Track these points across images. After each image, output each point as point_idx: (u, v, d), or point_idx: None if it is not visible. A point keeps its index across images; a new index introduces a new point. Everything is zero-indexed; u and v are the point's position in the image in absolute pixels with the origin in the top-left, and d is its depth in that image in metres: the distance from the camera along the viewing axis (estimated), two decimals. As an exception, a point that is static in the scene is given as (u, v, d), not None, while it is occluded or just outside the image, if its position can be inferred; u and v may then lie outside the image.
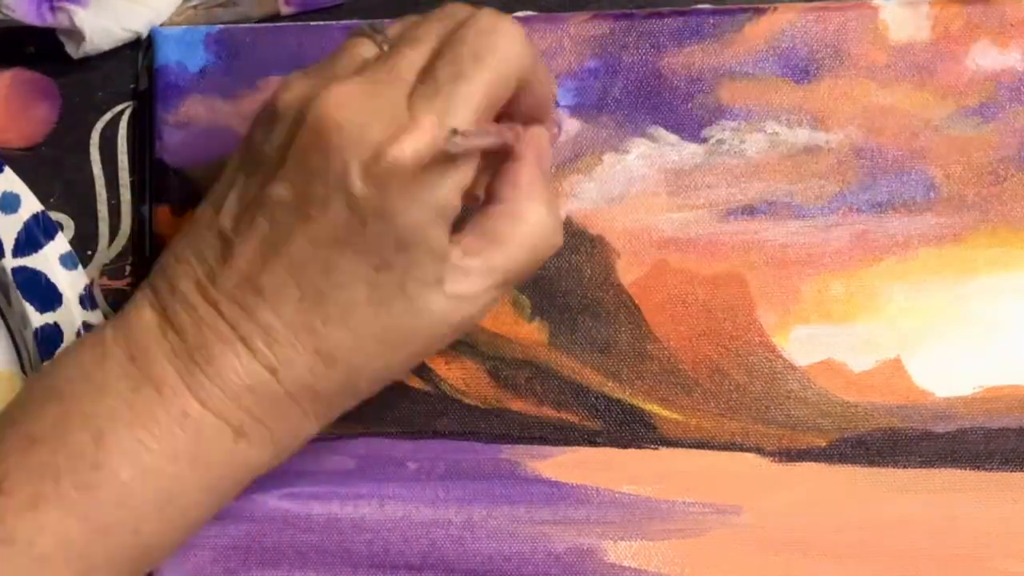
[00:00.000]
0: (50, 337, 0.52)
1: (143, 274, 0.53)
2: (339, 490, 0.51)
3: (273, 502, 0.51)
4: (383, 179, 0.39)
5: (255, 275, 0.40)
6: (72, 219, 0.55)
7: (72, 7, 0.53)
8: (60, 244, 0.53)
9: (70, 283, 0.53)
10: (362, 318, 0.40)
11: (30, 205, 0.53)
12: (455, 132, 0.39)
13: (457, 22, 0.42)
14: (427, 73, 0.41)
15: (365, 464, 0.52)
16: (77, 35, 0.53)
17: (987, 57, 0.52)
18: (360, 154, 0.39)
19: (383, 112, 0.39)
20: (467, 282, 0.41)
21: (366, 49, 0.43)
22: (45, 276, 0.52)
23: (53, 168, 0.55)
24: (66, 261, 0.53)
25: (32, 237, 0.53)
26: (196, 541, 0.51)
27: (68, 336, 0.52)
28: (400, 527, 0.51)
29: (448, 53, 0.41)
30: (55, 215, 0.55)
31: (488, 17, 0.41)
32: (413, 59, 0.41)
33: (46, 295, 0.52)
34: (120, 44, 0.54)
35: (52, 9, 0.53)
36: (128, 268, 0.55)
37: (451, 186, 0.40)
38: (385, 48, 0.43)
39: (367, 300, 0.40)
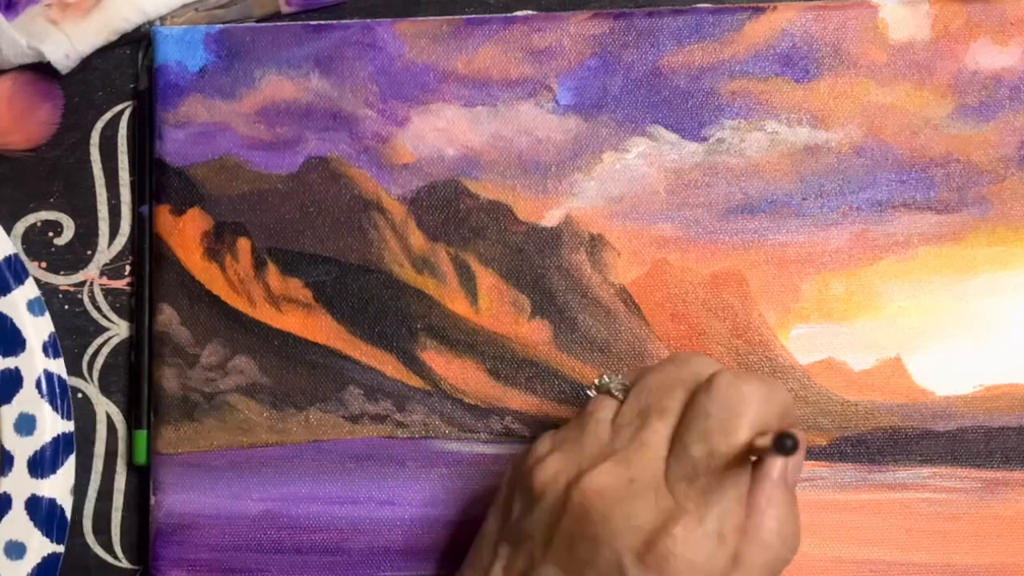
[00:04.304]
0: (10, 382, 0.52)
1: (142, 274, 0.54)
2: (339, 490, 0.51)
3: (272, 502, 0.51)
4: (659, 566, 0.38)
5: None
6: (72, 219, 0.55)
7: None
8: (29, 289, 0.53)
9: (36, 329, 0.53)
10: None
11: (4, 247, 0.53)
12: None
13: (698, 384, 0.41)
14: (679, 446, 0.40)
15: (365, 464, 0.52)
16: None
17: (987, 56, 0.52)
18: (631, 544, 0.39)
19: (645, 497, 0.40)
20: None
21: (608, 410, 0.44)
22: (11, 320, 0.52)
23: (53, 168, 0.55)
24: (33, 307, 0.53)
25: (2, 279, 0.53)
26: (195, 541, 0.51)
27: (28, 382, 0.52)
28: (400, 527, 0.51)
29: (696, 427, 0.40)
30: (55, 215, 0.55)
31: (731, 387, 0.41)
32: (661, 431, 0.41)
33: (10, 339, 0.52)
34: (27, 62, 0.54)
35: None
36: (127, 268, 0.55)
37: (723, 560, 0.39)
38: (621, 398, 0.44)
39: None
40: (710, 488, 0.40)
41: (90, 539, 0.53)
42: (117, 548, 0.53)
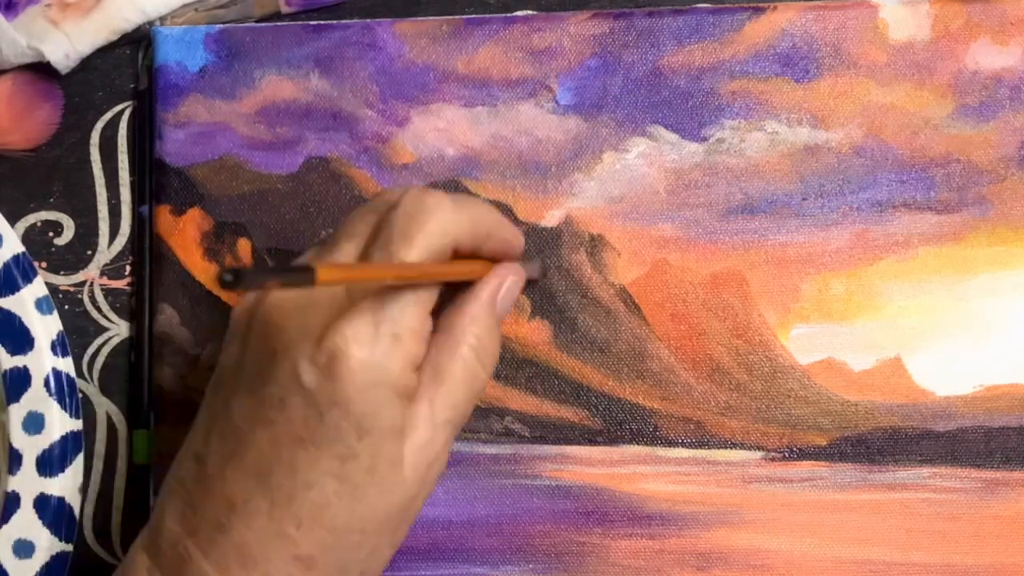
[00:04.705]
0: (19, 380, 0.52)
1: (142, 274, 0.54)
2: (339, 490, 0.51)
3: (274, 502, 0.51)
4: (331, 368, 0.38)
5: (227, 490, 0.40)
6: (72, 219, 0.55)
7: None
8: (37, 288, 0.53)
9: (44, 328, 0.53)
10: (336, 512, 0.39)
11: (12, 245, 0.53)
12: None
13: (389, 206, 0.42)
14: (364, 258, 0.41)
15: (365, 464, 0.52)
16: None
17: (987, 56, 0.52)
18: (305, 349, 0.39)
19: (321, 304, 0.40)
20: (419, 430, 0.40)
21: (317, 246, 0.44)
22: (19, 319, 0.52)
23: (53, 168, 0.55)
24: (41, 305, 0.53)
25: (10, 278, 0.52)
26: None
27: (36, 381, 0.52)
28: (401, 526, 0.51)
29: (380, 238, 0.40)
30: (55, 215, 0.55)
31: (414, 198, 0.41)
32: (346, 249, 0.41)
33: (18, 338, 0.52)
34: (27, 62, 0.54)
35: None
36: (128, 268, 0.55)
37: (400, 362, 0.39)
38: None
39: (337, 493, 0.39)
40: (386, 293, 0.39)
41: (90, 539, 0.53)
42: (117, 548, 0.53)
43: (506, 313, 0.44)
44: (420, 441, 0.40)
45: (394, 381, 0.39)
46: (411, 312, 0.39)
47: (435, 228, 0.40)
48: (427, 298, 0.41)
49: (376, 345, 0.39)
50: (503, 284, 0.43)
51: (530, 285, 0.51)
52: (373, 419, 0.39)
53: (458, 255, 0.42)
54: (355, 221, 0.42)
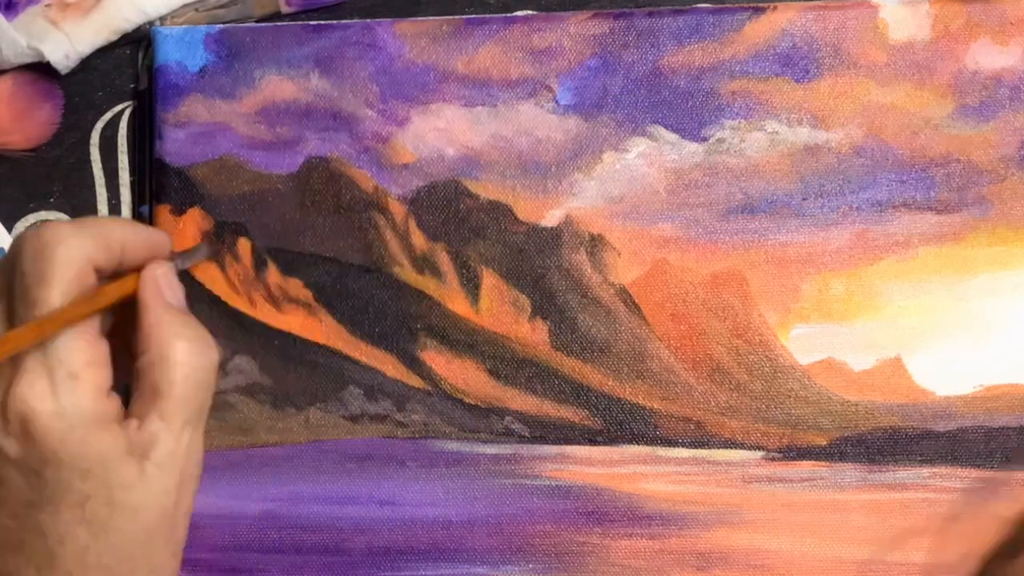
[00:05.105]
0: None
1: (143, 274, 0.54)
2: (339, 490, 0.52)
3: (272, 502, 0.51)
4: (26, 431, 0.39)
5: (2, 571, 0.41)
6: (72, 219, 0.55)
7: None
8: None
9: None
10: (98, 551, 0.40)
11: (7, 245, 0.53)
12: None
13: (13, 256, 0.42)
14: (12, 316, 0.41)
15: (365, 464, 0.52)
16: None
17: (987, 56, 0.52)
18: None
19: None
20: (160, 445, 0.41)
21: None
22: None
23: (53, 168, 0.55)
24: None
25: None
26: (195, 541, 0.51)
27: None
28: (401, 527, 0.51)
29: (16, 289, 0.41)
30: (55, 215, 0.55)
31: (31, 238, 0.41)
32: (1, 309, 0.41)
33: None
34: (27, 62, 0.54)
35: None
36: (128, 268, 0.55)
37: (88, 396, 0.40)
38: None
39: (91, 535, 0.40)
40: (45, 339, 0.40)
41: (90, 539, 0.53)
42: (117, 548, 0.53)
43: (180, 298, 0.44)
44: (165, 452, 0.41)
45: (89, 416, 0.40)
46: (77, 346, 0.40)
47: (64, 257, 0.40)
48: (89, 325, 0.41)
49: (57, 393, 0.39)
50: (158, 281, 0.43)
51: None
52: (86, 459, 0.39)
53: (106, 275, 0.43)
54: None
